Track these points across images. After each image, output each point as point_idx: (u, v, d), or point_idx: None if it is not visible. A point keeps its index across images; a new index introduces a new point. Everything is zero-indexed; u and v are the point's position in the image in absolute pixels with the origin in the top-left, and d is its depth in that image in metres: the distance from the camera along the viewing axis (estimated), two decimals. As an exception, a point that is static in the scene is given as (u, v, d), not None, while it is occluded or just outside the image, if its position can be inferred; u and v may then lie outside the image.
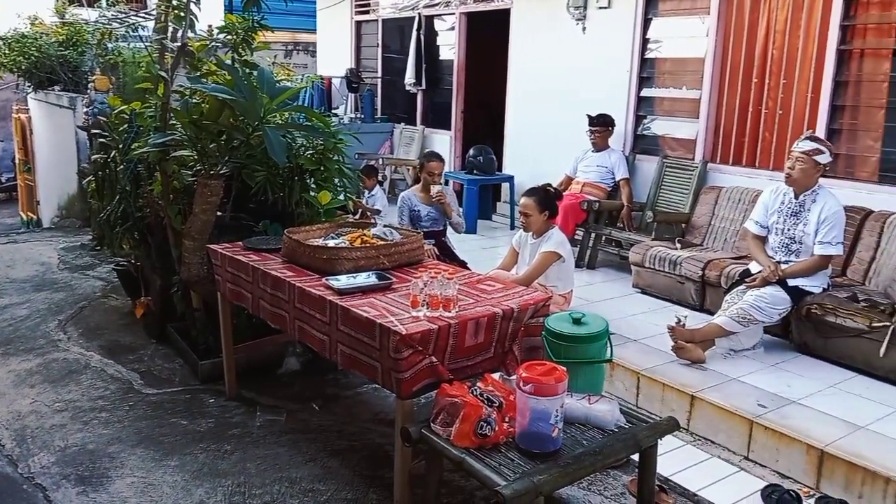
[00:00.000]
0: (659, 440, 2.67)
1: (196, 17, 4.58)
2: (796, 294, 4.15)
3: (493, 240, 7.22)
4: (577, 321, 2.85)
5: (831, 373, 3.97)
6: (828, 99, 5.09)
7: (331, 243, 3.46)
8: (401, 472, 2.80)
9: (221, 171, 4.13)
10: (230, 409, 3.85)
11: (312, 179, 4.49)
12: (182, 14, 4.19)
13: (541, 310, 3.06)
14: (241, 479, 3.19)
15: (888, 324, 3.79)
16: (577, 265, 6.11)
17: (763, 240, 4.45)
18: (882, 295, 4.21)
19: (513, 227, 7.53)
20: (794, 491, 3.06)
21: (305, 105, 9.48)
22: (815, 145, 4.14)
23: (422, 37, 9.27)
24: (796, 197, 4.27)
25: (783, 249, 4.32)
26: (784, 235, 4.31)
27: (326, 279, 3.10)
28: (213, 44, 4.78)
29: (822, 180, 4.30)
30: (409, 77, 9.37)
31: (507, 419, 2.50)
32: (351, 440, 3.55)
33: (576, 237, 6.29)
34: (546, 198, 4.52)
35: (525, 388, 2.36)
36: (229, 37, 4.62)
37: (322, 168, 4.41)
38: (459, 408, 2.45)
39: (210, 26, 5.39)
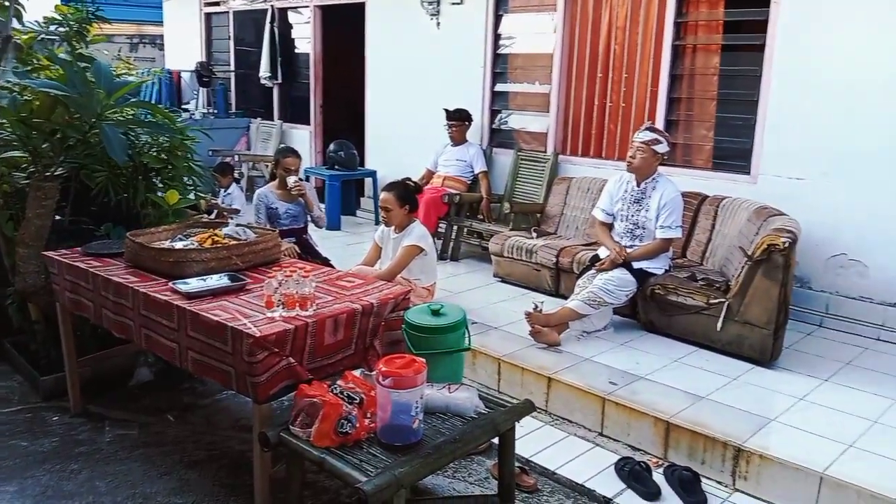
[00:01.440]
0: (517, 423, 2.75)
1: (23, 7, 4.24)
2: (641, 276, 4.40)
3: (358, 235, 7.17)
4: (435, 313, 2.88)
5: (675, 348, 4.24)
6: (665, 92, 5.43)
7: (178, 245, 3.30)
8: (261, 478, 2.72)
9: (57, 173, 3.84)
10: (76, 427, 3.60)
11: (159, 178, 4.27)
12: (6, 3, 3.87)
13: (401, 303, 3.07)
14: (90, 500, 2.99)
15: (723, 300, 4.10)
16: (441, 257, 6.20)
17: (610, 226, 4.68)
18: (718, 274, 4.54)
19: (377, 222, 7.48)
20: (644, 462, 3.24)
21: (152, 101, 9.02)
22: (653, 135, 4.40)
23: (276, 29, 9.04)
24: (638, 185, 4.52)
25: (628, 235, 4.57)
26: (628, 221, 4.55)
27: (174, 283, 2.96)
28: (45, 36, 4.44)
29: (661, 168, 4.58)
30: (264, 70, 9.11)
31: (368, 415, 2.49)
32: (209, 449, 3.41)
33: (439, 230, 6.37)
34: (405, 192, 4.53)
35: (384, 382, 2.35)
36: (62, 29, 4.30)
37: (169, 166, 4.20)
38: (319, 407, 2.41)
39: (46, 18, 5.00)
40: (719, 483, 3.19)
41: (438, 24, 6.95)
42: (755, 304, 3.95)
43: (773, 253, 3.84)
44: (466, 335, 2.90)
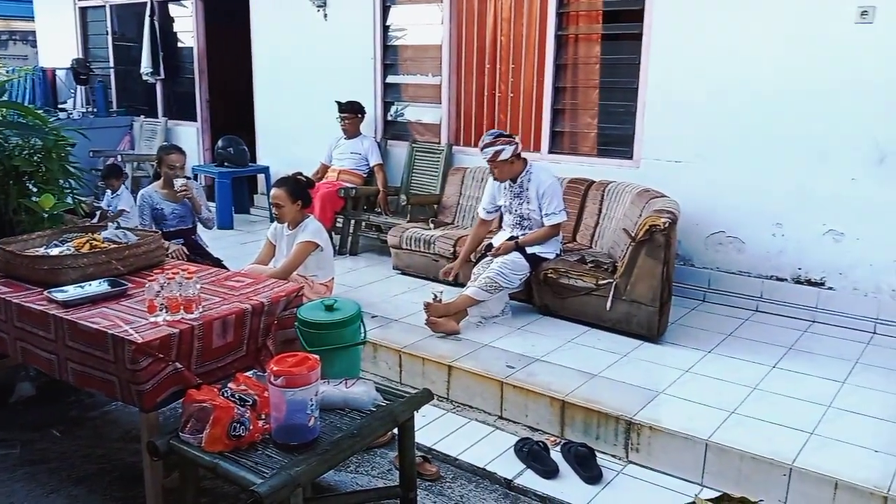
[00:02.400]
0: (416, 412, 2.77)
1: None
2: (534, 261, 4.52)
3: (252, 234, 7.00)
4: (329, 308, 2.86)
5: (569, 329, 4.37)
6: (551, 81, 5.56)
7: (54, 251, 3.13)
8: (152, 489, 2.63)
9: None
10: (-51, 451, 3.37)
11: (32, 182, 4.03)
12: None
13: (294, 301, 3.03)
14: (-34, 528, 2.81)
15: (611, 281, 4.26)
16: (340, 252, 6.15)
17: (490, 223, 4.85)
18: (606, 255, 4.70)
19: (272, 219, 7.34)
20: (542, 442, 3.33)
21: (24, 101, 8.50)
22: (492, 150, 4.45)
23: (156, 23, 8.68)
24: (514, 181, 4.61)
25: (517, 226, 4.69)
26: (514, 214, 4.68)
27: (49, 292, 2.80)
28: None
29: (552, 157, 4.72)
30: (146, 66, 8.74)
31: (262, 416, 2.45)
32: (99, 463, 3.27)
33: (336, 225, 6.31)
34: (297, 187, 4.46)
35: (276, 382, 2.32)
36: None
37: (42, 169, 3.97)
38: (209, 412, 2.35)
39: None
40: (613, 456, 3.32)
41: (326, 15, 6.86)
42: (641, 282, 4.12)
43: (655, 233, 4.01)
44: (362, 329, 2.90)
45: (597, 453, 3.26)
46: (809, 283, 4.66)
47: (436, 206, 5.95)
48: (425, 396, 2.81)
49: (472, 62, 6.10)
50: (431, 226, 5.56)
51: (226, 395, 2.43)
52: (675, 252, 4.66)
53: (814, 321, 4.58)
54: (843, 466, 2.88)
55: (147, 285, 2.67)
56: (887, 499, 2.71)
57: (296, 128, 7.35)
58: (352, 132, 6.45)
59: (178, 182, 4.84)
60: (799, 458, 2.94)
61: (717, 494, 2.95)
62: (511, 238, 4.63)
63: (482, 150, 4.52)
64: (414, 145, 6.41)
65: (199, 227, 5.16)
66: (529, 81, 5.77)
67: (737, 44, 4.70)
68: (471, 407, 3.80)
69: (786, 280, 4.74)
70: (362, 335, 2.89)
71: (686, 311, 4.76)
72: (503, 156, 4.47)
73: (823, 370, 3.83)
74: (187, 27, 8.54)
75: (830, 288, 4.59)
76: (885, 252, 4.38)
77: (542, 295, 4.61)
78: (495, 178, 4.62)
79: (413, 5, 6.41)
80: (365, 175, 6.47)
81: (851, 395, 3.55)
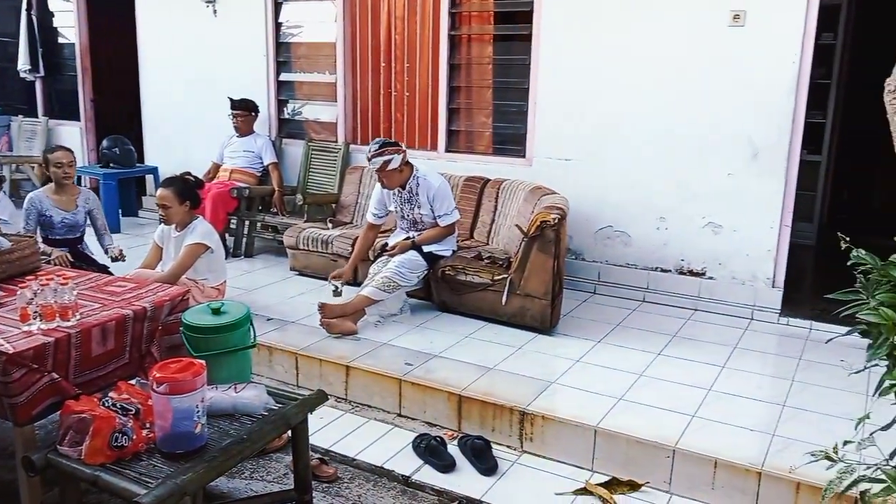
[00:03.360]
0: (311, 414, 2.74)
1: None
2: (431, 258, 4.55)
3: (141, 237, 6.72)
4: (216, 311, 2.79)
5: (467, 325, 4.43)
6: (445, 81, 5.62)
7: (-87, 260, 2.91)
8: (29, 507, 2.49)
9: None
10: None
11: None
12: None
13: (179, 305, 2.93)
14: None
15: (506, 276, 4.34)
16: (235, 254, 6.01)
17: (379, 227, 4.87)
18: (502, 252, 4.79)
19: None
20: (439, 436, 3.36)
21: None
22: (381, 160, 4.46)
23: (34, 17, 8.20)
24: (403, 188, 4.64)
25: (413, 227, 4.73)
26: (407, 219, 4.72)
27: None
28: None
29: (449, 156, 4.78)
30: (23, 63, 8.24)
31: (146, 425, 2.36)
32: (-29, 484, 3.06)
33: (231, 226, 6.15)
34: (185, 187, 4.31)
35: (160, 389, 2.24)
36: None
37: None
38: (88, 423, 2.25)
39: None
40: (509, 447, 3.39)
41: (215, 11, 6.66)
42: (533, 277, 4.22)
43: (546, 229, 4.12)
44: (251, 332, 2.84)
45: (493, 445, 3.32)
46: (692, 273, 4.90)
47: (334, 205, 5.89)
48: (319, 398, 2.79)
49: (367, 60, 6.08)
50: (329, 225, 5.51)
51: (107, 404, 2.33)
52: (566, 247, 4.80)
53: (696, 309, 4.83)
54: (722, 446, 3.05)
55: (19, 293, 2.53)
56: (762, 474, 2.89)
57: (187, 127, 7.11)
58: (244, 130, 6.30)
59: (113, 251, 4.71)
60: (682, 440, 3.09)
61: (606, 479, 3.08)
62: (407, 238, 4.65)
63: (370, 160, 4.48)
64: (310, 144, 6.33)
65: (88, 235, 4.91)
66: (425, 80, 5.80)
67: (621, 45, 4.88)
68: (369, 406, 3.79)
69: (670, 271, 4.97)
70: (252, 338, 2.83)
71: (578, 303, 4.91)
72: (392, 165, 4.47)
73: (705, 355, 4.04)
74: (69, 22, 8.11)
75: (711, 277, 4.84)
76: (759, 242, 4.66)
77: (440, 292, 4.65)
78: (384, 187, 4.62)
79: (306, 2, 6.33)
80: (259, 174, 6.33)
81: (730, 378, 3.77)
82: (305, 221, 5.64)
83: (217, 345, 2.68)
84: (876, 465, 1.97)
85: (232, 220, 6.13)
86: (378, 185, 4.73)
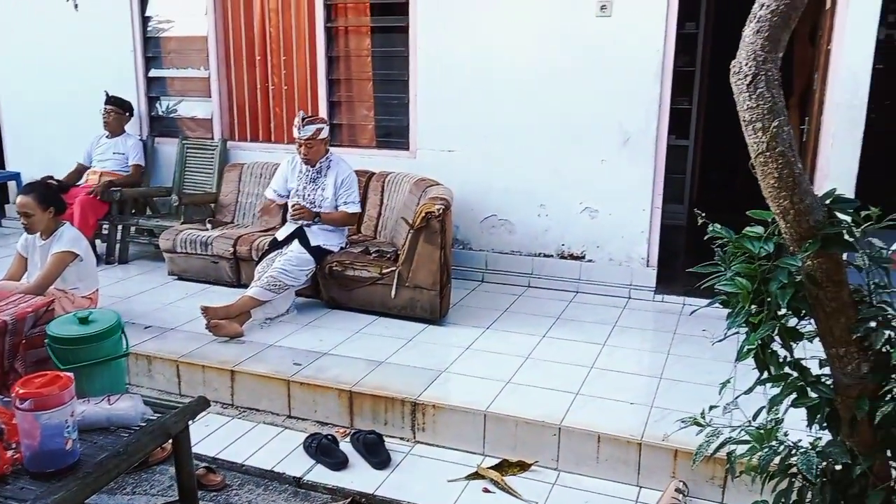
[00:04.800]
0: (191, 422, 2.64)
1: None
2: (319, 254, 4.49)
3: (6, 248, 6.26)
4: (83, 321, 2.63)
5: (356, 320, 4.40)
6: (324, 74, 5.53)
7: None
8: None
9: None
10: None
11: None
12: None
13: (43, 316, 2.74)
14: None
15: (394, 269, 4.34)
16: (108, 261, 5.71)
17: (284, 206, 4.73)
18: (389, 245, 4.79)
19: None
20: (331, 435, 3.33)
21: None
22: (315, 126, 4.46)
23: None
24: (313, 166, 4.57)
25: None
26: (306, 200, 4.61)
27: None
28: None
29: (332, 150, 4.73)
30: None
31: (12, 445, 2.21)
32: None
33: (103, 231, 5.83)
34: (48, 193, 4.06)
35: (24, 406, 2.10)
36: None
37: None
38: (-58, 449, 2.08)
39: None
40: (402, 439, 3.39)
41: (76, 5, 6.25)
42: (421, 268, 4.24)
43: (431, 220, 4.15)
44: (124, 340, 2.70)
45: (385, 438, 3.31)
46: (572, 257, 5.07)
47: (212, 205, 5.70)
48: (200, 405, 2.68)
49: (241, 54, 5.90)
50: (208, 226, 5.32)
51: (-37, 428, 2.16)
52: (453, 237, 4.86)
53: (578, 291, 5.00)
54: (604, 420, 3.18)
55: None
56: (641, 444, 3.03)
57: (50, 129, 6.65)
58: (114, 129, 5.98)
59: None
60: (567, 418, 3.19)
61: (496, 461, 3.14)
62: (300, 227, 4.56)
63: (303, 126, 4.44)
64: (185, 142, 6.08)
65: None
66: (303, 74, 5.70)
67: (495, 36, 4.96)
68: (257, 410, 3.69)
69: (552, 256, 5.12)
70: (125, 347, 2.69)
71: (467, 292, 4.98)
72: (323, 134, 4.52)
73: (587, 335, 4.19)
74: None
75: (590, 260, 5.02)
76: (633, 225, 4.87)
77: (328, 288, 4.59)
78: (305, 159, 4.53)
79: (173, -5, 6.07)
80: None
81: (610, 355, 3.93)
82: (182, 223, 5.42)
83: (86, 356, 2.54)
84: (740, 426, 2.11)
85: (104, 226, 5.81)
86: (284, 162, 4.72)
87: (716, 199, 6.81)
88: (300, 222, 4.58)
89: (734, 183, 7.58)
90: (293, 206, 4.52)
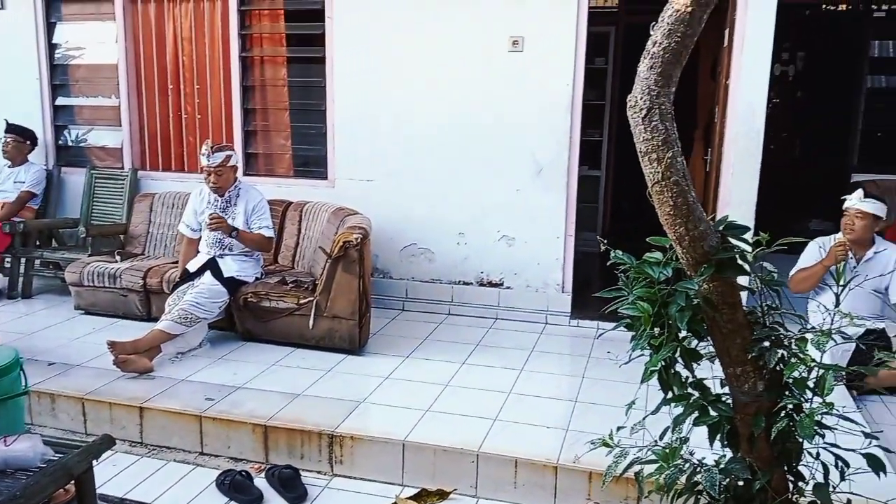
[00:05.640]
0: (95, 462, 2.53)
1: None
2: (232, 285, 4.40)
3: None
4: (-23, 359, 2.50)
5: (273, 353, 4.32)
6: (239, 103, 5.48)
7: None
8: None
9: None
10: None
11: None
12: None
13: (-68, 356, 2.59)
14: None
15: (312, 299, 4.30)
16: (11, 296, 5.45)
17: (198, 241, 4.61)
18: (307, 275, 4.74)
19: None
20: (244, 471, 3.24)
21: None
22: (224, 154, 4.39)
23: None
24: (222, 195, 4.49)
25: (217, 245, 4.53)
26: (216, 232, 4.50)
27: None
28: None
29: (248, 179, 4.70)
30: None
31: None
32: None
33: (5, 265, 5.54)
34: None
35: None
36: None
37: None
38: None
39: None
40: (319, 473, 3.33)
41: (-24, 30, 6.03)
42: (340, 298, 4.21)
43: (349, 249, 4.14)
44: (22, 378, 2.58)
45: (302, 472, 3.25)
46: (491, 284, 5.14)
47: (122, 236, 5.52)
48: (104, 443, 2.57)
49: (153, 83, 5.78)
50: (118, 258, 5.14)
51: None
52: (373, 266, 4.86)
53: (497, 318, 5.07)
54: (521, 445, 3.21)
55: None
56: (558, 468, 3.07)
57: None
58: (14, 158, 5.73)
59: None
60: (485, 444, 3.21)
61: (415, 491, 3.13)
62: (212, 258, 4.47)
63: (212, 154, 4.35)
64: (94, 172, 5.88)
65: None
66: (217, 103, 5.62)
67: (412, 69, 5.04)
68: (168, 448, 3.56)
69: (472, 283, 5.18)
70: (23, 385, 2.57)
71: (387, 321, 4.96)
72: (233, 161, 4.45)
73: (505, 361, 4.24)
74: None
75: (508, 287, 5.10)
76: (548, 252, 4.98)
77: (243, 320, 4.50)
78: (215, 188, 4.42)
79: (83, 23, 5.90)
80: (36, 207, 5.80)
81: (528, 380, 3.98)
82: (90, 255, 5.21)
83: (-20, 396, 2.41)
84: (647, 446, 2.17)
85: (6, 259, 5.53)
86: (193, 193, 4.63)
87: (627, 226, 7.05)
88: (213, 253, 4.48)
89: (644, 211, 7.88)
90: (210, 215, 4.40)
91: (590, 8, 4.79)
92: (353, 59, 5.13)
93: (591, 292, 5.45)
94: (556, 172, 4.87)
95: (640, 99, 1.83)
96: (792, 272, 4.05)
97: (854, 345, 3.88)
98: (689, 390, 2.08)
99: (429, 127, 5.05)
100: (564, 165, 4.86)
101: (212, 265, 4.45)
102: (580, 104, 4.81)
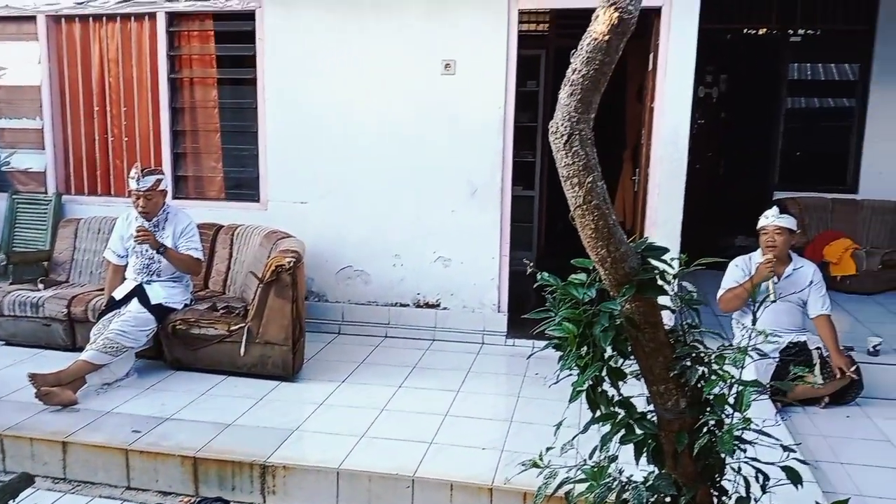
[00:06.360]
0: (13, 501, 2.42)
1: None
2: (161, 312, 4.27)
3: None
4: None
5: (203, 381, 4.21)
6: (168, 125, 5.37)
7: None
8: None
9: None
10: None
11: None
12: None
13: None
14: None
15: (243, 325, 4.21)
16: (-78, 328, 5.15)
17: (124, 268, 4.48)
18: (239, 300, 4.65)
19: None
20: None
21: None
22: (154, 178, 4.29)
23: None
24: (150, 220, 4.37)
25: (144, 270, 4.40)
26: (143, 257, 4.39)
27: None
28: None
29: (178, 202, 4.60)
30: None
31: None
32: None
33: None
34: None
35: None
36: None
37: None
38: None
39: None
40: (251, 504, 3.26)
41: None
42: (272, 323, 4.14)
43: (281, 273, 4.08)
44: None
45: (233, 504, 3.18)
46: (428, 305, 5.14)
47: (45, 263, 5.31)
48: (22, 481, 2.47)
49: (77, 105, 5.63)
50: (40, 286, 4.94)
51: None
52: (308, 289, 4.80)
53: (434, 339, 5.06)
54: (457, 468, 3.20)
55: None
56: (493, 490, 3.07)
57: None
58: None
59: None
60: (420, 469, 3.19)
61: (350, 519, 3.08)
62: (139, 284, 4.34)
63: (142, 177, 4.24)
64: (15, 197, 5.67)
65: None
66: (145, 125, 5.50)
67: (346, 91, 5.03)
68: (93, 483, 3.43)
69: (408, 305, 5.17)
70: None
71: (322, 345, 4.90)
72: (163, 185, 4.34)
73: (442, 382, 4.24)
74: None
75: (445, 308, 5.11)
76: (484, 272, 5.02)
77: (171, 349, 4.38)
78: (143, 213, 4.29)
79: (4, 43, 5.72)
80: (-48, 235, 5.55)
81: (464, 401, 3.99)
82: (11, 283, 5.01)
83: None
84: (577, 465, 2.20)
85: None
86: (120, 220, 4.51)
87: (562, 244, 7.14)
88: (140, 279, 4.36)
89: (577, 229, 8.02)
90: (137, 228, 4.27)
91: (520, 32, 4.88)
92: (285, 81, 5.10)
93: (526, 311, 5.53)
94: (490, 193, 4.92)
95: (561, 125, 1.86)
96: (720, 293, 4.17)
97: (778, 358, 4.05)
98: (616, 409, 2.12)
99: (363, 149, 5.05)
100: (498, 186, 4.91)
101: (139, 292, 4.32)
102: (512, 126, 4.88)
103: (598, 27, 1.78)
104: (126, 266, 4.49)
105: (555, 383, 2.16)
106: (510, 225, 5.02)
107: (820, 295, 4.17)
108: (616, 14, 1.75)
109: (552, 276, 2.10)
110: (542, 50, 6.94)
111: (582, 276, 2.07)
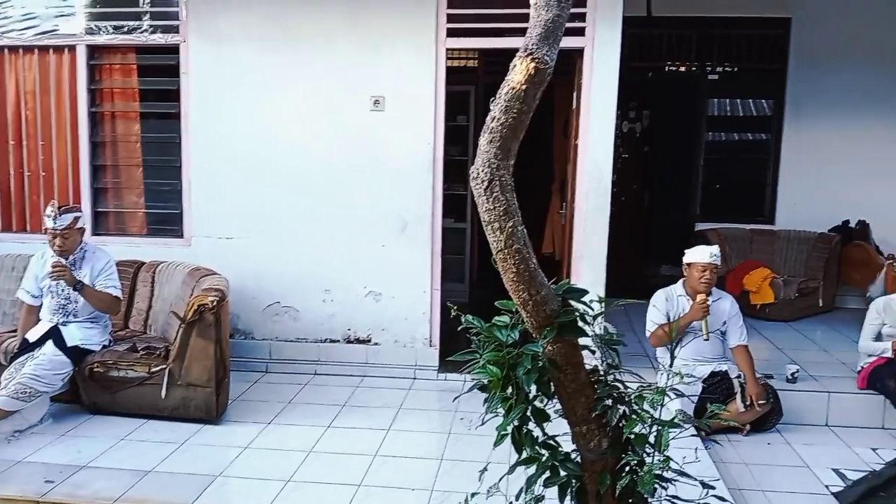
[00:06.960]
0: None
1: None
2: (77, 354, 4.10)
3: None
4: None
5: (122, 426, 4.03)
6: (87, 159, 5.20)
7: None
8: None
9: None
10: None
11: None
12: None
13: None
14: None
15: (164, 366, 4.07)
16: None
17: (39, 308, 4.29)
18: (161, 340, 4.49)
19: None
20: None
21: None
22: (72, 216, 4.12)
23: None
24: (66, 259, 4.20)
25: (61, 311, 4.22)
26: (60, 297, 4.21)
27: None
28: None
29: (98, 239, 4.44)
30: None
31: None
32: None
33: None
34: None
35: None
36: None
37: None
38: None
39: None
40: (171, 556, 3.12)
41: None
42: (195, 364, 4.02)
43: (204, 312, 3.97)
44: None
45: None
46: (359, 341, 5.08)
47: (-47, 304, 5.04)
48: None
49: (-8, 138, 5.40)
50: (-54, 328, 4.69)
51: None
52: (233, 327, 4.68)
53: (365, 375, 5.00)
54: (386, 510, 3.15)
55: None
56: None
57: None
58: None
59: None
60: (348, 513, 3.13)
61: (275, 569, 2.98)
62: (55, 325, 4.15)
63: (59, 215, 4.06)
64: (-78, 234, 5.38)
65: None
66: (63, 159, 5.31)
67: (272, 126, 4.98)
68: (-1, 540, 3.24)
69: (339, 341, 5.10)
70: None
71: (248, 384, 4.78)
72: (80, 223, 4.19)
73: (372, 421, 4.18)
74: None
75: (376, 343, 5.07)
76: (415, 306, 5.00)
77: (89, 392, 4.19)
78: (60, 251, 4.10)
79: None
80: None
81: (394, 440, 3.94)
82: (-86, 326, 4.73)
83: None
84: (503, 508, 2.19)
85: None
86: (33, 259, 4.34)
87: (495, 277, 7.18)
88: (55, 320, 4.17)
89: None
90: (53, 263, 4.09)
91: (450, 67, 4.94)
92: (210, 115, 5.02)
93: (458, 345, 5.55)
94: (421, 227, 4.93)
95: (482, 171, 1.89)
96: (650, 327, 4.26)
97: (702, 386, 4.16)
98: (541, 450, 2.13)
99: (291, 184, 5.00)
100: (429, 220, 4.93)
101: (54, 334, 4.13)
102: (442, 160, 4.91)
103: (516, 77, 1.82)
104: (41, 306, 4.31)
105: (480, 425, 2.16)
106: (441, 258, 5.03)
107: (738, 326, 4.31)
108: (533, 65, 1.79)
109: (476, 319, 2.11)
110: (472, 86, 7.04)
111: (505, 319, 2.09)
